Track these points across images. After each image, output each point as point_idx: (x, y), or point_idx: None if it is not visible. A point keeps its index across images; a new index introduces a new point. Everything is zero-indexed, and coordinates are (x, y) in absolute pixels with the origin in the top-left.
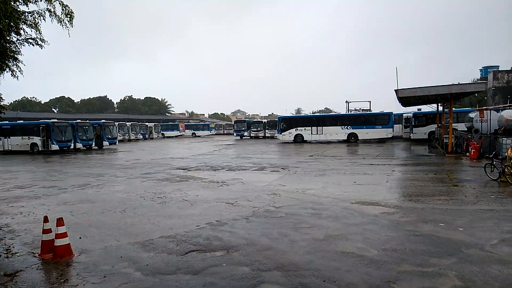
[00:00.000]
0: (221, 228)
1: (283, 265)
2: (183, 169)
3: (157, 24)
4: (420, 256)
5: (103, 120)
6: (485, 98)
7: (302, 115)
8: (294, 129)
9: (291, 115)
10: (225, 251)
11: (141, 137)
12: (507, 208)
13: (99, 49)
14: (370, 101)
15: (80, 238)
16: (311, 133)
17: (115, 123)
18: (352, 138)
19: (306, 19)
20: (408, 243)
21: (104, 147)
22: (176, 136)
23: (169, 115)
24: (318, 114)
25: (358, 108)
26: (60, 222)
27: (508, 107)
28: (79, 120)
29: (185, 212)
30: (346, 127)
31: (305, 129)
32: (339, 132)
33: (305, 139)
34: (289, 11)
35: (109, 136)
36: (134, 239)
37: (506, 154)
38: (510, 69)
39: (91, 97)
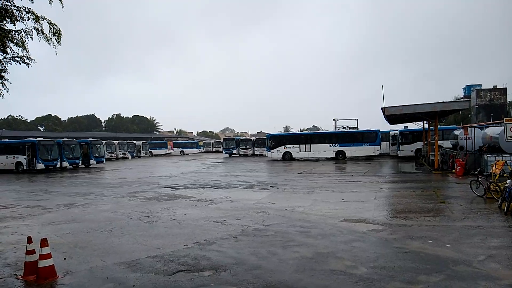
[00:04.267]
0: (209, 248)
1: (272, 284)
2: (171, 188)
3: (151, 39)
4: (409, 273)
5: (90, 139)
6: (469, 115)
7: (290, 132)
8: (283, 146)
9: (280, 132)
10: (213, 271)
11: (129, 155)
12: (493, 224)
13: (90, 63)
14: (357, 119)
15: (64, 259)
16: (300, 151)
17: (103, 141)
18: (340, 155)
19: (301, 38)
20: (396, 260)
21: (91, 166)
22: (164, 154)
23: (157, 133)
24: (307, 131)
25: (345, 126)
26: (44, 242)
27: (491, 125)
28: (65, 139)
29: (172, 231)
30: (334, 144)
31: (293, 146)
32: (327, 150)
33: (293, 156)
34: (286, 30)
35: (96, 155)
36: (120, 259)
37: (490, 171)
38: (492, 87)
39: (79, 115)
